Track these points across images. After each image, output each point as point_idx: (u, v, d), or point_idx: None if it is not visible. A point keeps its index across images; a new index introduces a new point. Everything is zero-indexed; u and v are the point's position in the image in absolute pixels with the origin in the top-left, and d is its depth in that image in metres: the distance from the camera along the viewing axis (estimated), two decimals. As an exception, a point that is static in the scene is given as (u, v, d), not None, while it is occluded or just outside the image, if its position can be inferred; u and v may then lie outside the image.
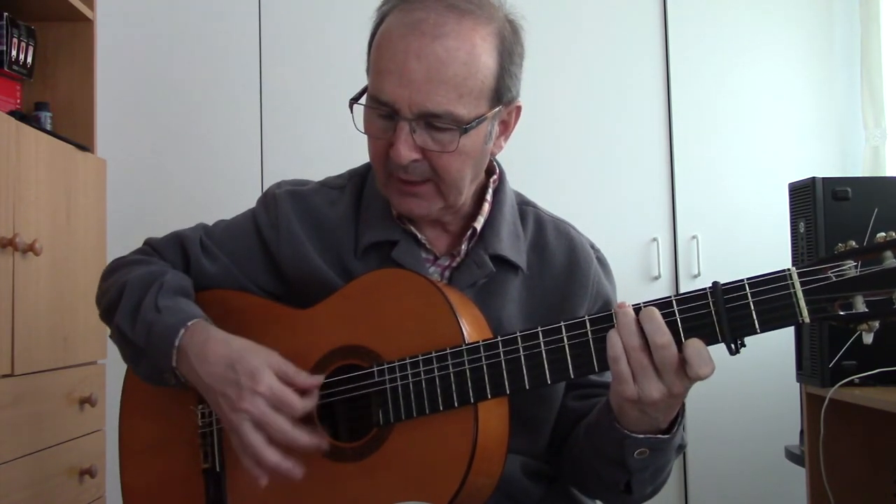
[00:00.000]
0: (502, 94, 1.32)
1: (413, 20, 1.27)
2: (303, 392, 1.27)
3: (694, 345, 1.13)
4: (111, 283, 1.44)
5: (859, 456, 2.17)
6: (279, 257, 1.43)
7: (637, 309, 1.16)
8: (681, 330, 1.14)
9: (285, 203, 1.45)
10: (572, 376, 1.20)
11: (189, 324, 1.32)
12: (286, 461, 1.26)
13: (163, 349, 1.31)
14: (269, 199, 1.47)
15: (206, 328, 1.33)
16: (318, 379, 1.29)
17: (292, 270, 1.42)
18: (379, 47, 1.30)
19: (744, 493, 2.91)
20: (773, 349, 2.59)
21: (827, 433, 2.08)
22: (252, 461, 1.26)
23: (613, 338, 1.15)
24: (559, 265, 1.43)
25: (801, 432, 2.26)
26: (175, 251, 1.48)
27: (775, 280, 1.11)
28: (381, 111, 1.29)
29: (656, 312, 1.14)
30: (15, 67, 2.33)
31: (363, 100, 1.33)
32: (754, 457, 2.90)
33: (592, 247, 1.49)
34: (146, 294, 1.37)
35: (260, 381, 1.25)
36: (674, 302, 1.15)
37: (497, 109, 1.33)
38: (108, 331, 1.45)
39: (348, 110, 1.33)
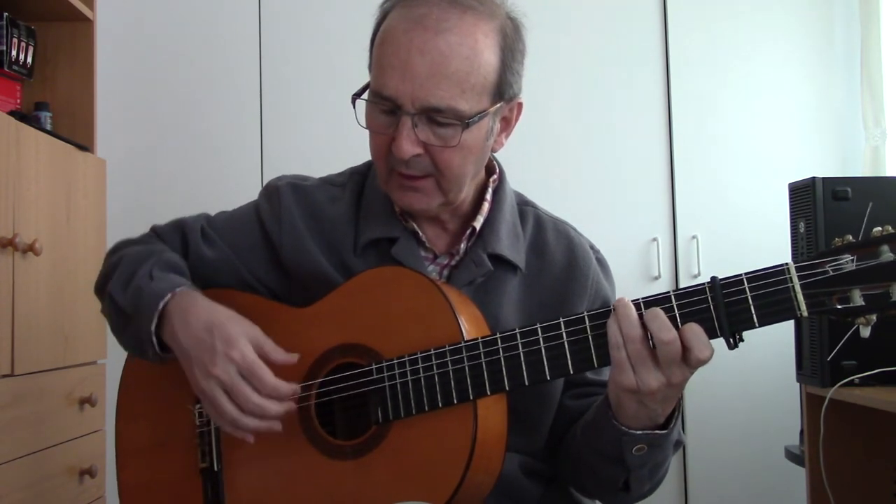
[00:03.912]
0: (504, 91, 1.33)
1: (416, 15, 1.28)
2: (279, 369, 1.28)
3: (692, 329, 1.14)
4: (110, 259, 1.47)
5: (859, 456, 2.17)
6: (281, 249, 1.43)
7: (636, 304, 1.16)
8: (679, 325, 1.14)
9: (288, 196, 1.45)
10: (571, 372, 1.20)
11: (177, 290, 1.33)
12: (263, 422, 1.26)
13: (147, 313, 1.32)
14: (272, 190, 1.47)
15: (194, 295, 1.33)
16: (293, 357, 1.30)
17: (293, 263, 1.42)
18: (382, 43, 1.31)
19: (744, 493, 2.91)
20: (773, 349, 2.60)
21: (827, 433, 2.07)
22: (230, 426, 1.27)
23: (613, 326, 1.16)
24: (558, 265, 1.43)
25: (801, 432, 2.26)
26: (175, 236, 1.49)
27: (773, 274, 1.12)
28: (384, 106, 1.30)
29: (661, 312, 1.14)
30: (15, 67, 2.34)
31: (365, 95, 1.33)
32: (754, 457, 2.89)
33: (592, 247, 1.49)
34: (142, 265, 1.38)
35: (234, 348, 1.25)
36: (672, 297, 1.15)
37: (499, 106, 1.34)
38: (108, 330, 1.46)
39: (348, 110, 1.33)
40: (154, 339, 1.32)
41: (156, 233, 1.52)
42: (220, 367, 1.25)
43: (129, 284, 1.37)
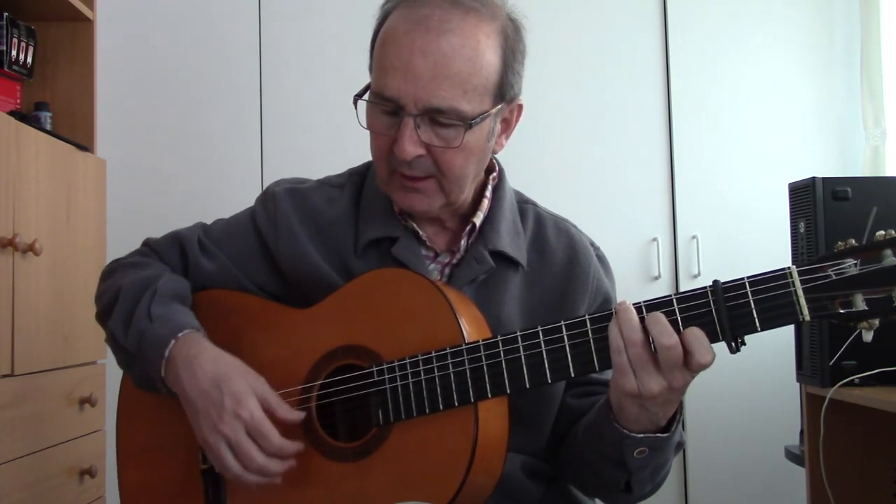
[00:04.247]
0: (505, 92, 1.33)
1: (418, 17, 1.28)
2: (285, 425, 1.28)
3: (693, 333, 1.13)
4: (107, 286, 1.45)
5: (859, 456, 2.17)
6: (278, 256, 1.43)
7: (637, 307, 1.16)
8: (681, 329, 1.14)
9: (284, 201, 1.44)
10: (573, 375, 1.20)
11: (180, 335, 1.32)
12: (265, 478, 1.27)
13: (153, 359, 1.32)
14: (269, 197, 1.47)
15: (198, 341, 1.32)
16: (299, 414, 1.29)
17: (291, 269, 1.42)
18: (383, 44, 1.31)
19: (744, 493, 2.91)
20: (773, 349, 2.59)
21: (827, 433, 2.07)
22: (232, 478, 1.27)
23: (614, 330, 1.16)
24: (559, 262, 1.43)
25: (801, 432, 2.26)
26: (173, 251, 1.48)
27: (776, 278, 1.11)
28: (386, 107, 1.30)
29: (662, 316, 1.14)
30: (15, 67, 2.33)
31: (367, 96, 1.33)
32: (754, 457, 2.90)
33: (592, 244, 1.49)
34: (139, 301, 1.37)
35: (243, 406, 1.25)
36: (674, 301, 1.15)
37: (500, 107, 1.34)
38: (104, 338, 1.46)
39: (347, 111, 1.33)
40: (164, 383, 1.32)
41: (151, 248, 1.50)
42: (228, 424, 1.25)
43: (130, 325, 1.36)
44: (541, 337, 1.20)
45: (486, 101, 1.31)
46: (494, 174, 1.46)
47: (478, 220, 1.41)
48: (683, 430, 1.29)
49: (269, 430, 1.26)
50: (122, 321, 1.37)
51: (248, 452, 1.25)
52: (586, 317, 1.19)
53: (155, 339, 1.32)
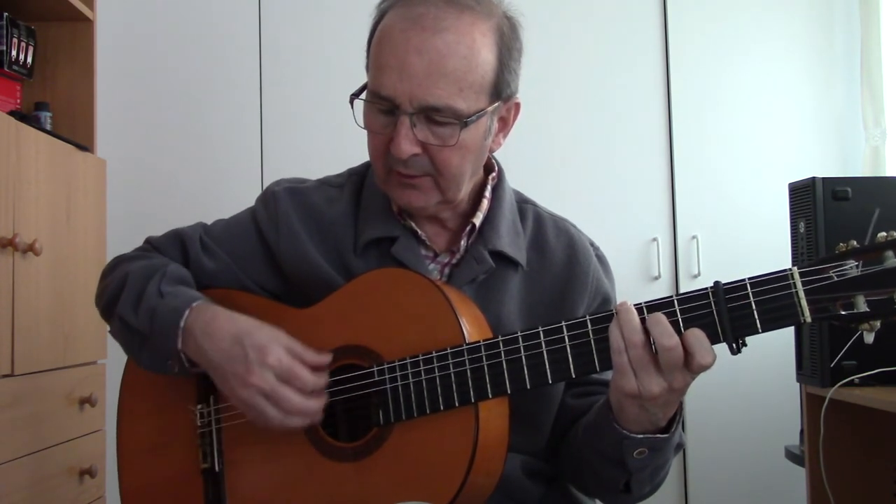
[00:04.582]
0: (501, 90, 1.33)
1: (414, 15, 1.28)
2: (313, 369, 1.28)
3: (695, 334, 1.13)
4: (112, 277, 1.45)
5: (859, 456, 2.17)
6: (279, 255, 1.43)
7: (638, 308, 1.16)
8: (682, 330, 1.14)
9: (285, 200, 1.45)
10: (573, 376, 1.20)
11: (193, 304, 1.33)
12: (307, 419, 1.27)
13: (168, 332, 1.32)
14: (269, 196, 1.47)
15: (212, 307, 1.33)
16: (327, 356, 1.30)
17: (292, 268, 1.42)
18: (379, 43, 1.31)
19: (744, 493, 2.91)
20: (773, 349, 2.59)
21: (827, 433, 2.07)
22: (276, 428, 1.27)
23: (615, 331, 1.15)
24: (559, 262, 1.43)
25: (801, 432, 2.26)
26: (175, 248, 1.48)
27: (777, 280, 1.11)
28: (382, 106, 1.30)
29: (663, 317, 1.14)
30: (15, 67, 2.33)
31: (363, 95, 1.33)
32: (754, 457, 2.89)
33: (591, 244, 1.49)
34: (149, 283, 1.37)
35: (268, 355, 1.26)
36: (675, 301, 1.15)
37: (496, 105, 1.34)
38: (108, 330, 1.46)
39: (347, 110, 1.34)
40: (182, 356, 1.32)
41: (152, 245, 1.51)
42: (258, 375, 1.25)
43: (140, 305, 1.36)
44: (542, 337, 1.20)
45: (482, 99, 1.31)
46: (494, 174, 1.46)
47: (477, 220, 1.41)
48: (683, 430, 1.29)
49: (300, 370, 1.26)
50: (131, 303, 1.37)
51: (286, 396, 1.25)
52: (587, 317, 1.19)
53: (168, 313, 1.33)
